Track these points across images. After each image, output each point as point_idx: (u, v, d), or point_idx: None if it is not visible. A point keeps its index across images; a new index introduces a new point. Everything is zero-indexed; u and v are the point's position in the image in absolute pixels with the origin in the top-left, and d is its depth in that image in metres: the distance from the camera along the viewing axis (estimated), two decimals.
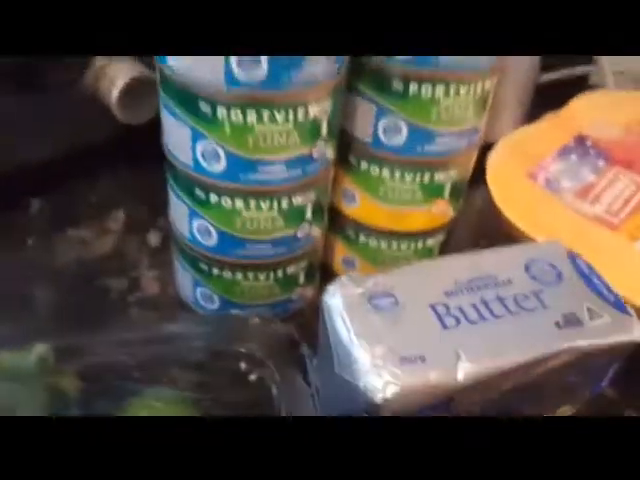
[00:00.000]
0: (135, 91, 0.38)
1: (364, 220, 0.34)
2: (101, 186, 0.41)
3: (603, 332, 0.26)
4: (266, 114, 0.25)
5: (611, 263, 0.32)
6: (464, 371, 0.23)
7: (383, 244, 0.34)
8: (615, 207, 0.35)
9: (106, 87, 0.38)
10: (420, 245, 0.34)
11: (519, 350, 0.24)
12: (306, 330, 0.28)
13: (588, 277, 0.28)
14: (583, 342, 0.25)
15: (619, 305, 0.27)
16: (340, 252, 0.36)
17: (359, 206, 0.33)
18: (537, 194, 0.36)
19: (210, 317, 0.29)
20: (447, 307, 0.26)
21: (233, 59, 0.23)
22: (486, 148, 0.39)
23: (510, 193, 0.36)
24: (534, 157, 0.38)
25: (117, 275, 0.36)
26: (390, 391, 0.22)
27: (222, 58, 0.23)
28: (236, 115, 0.25)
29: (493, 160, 0.37)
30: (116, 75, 0.37)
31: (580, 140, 0.39)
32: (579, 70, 0.59)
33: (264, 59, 0.23)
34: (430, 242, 0.35)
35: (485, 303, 0.26)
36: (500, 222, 0.36)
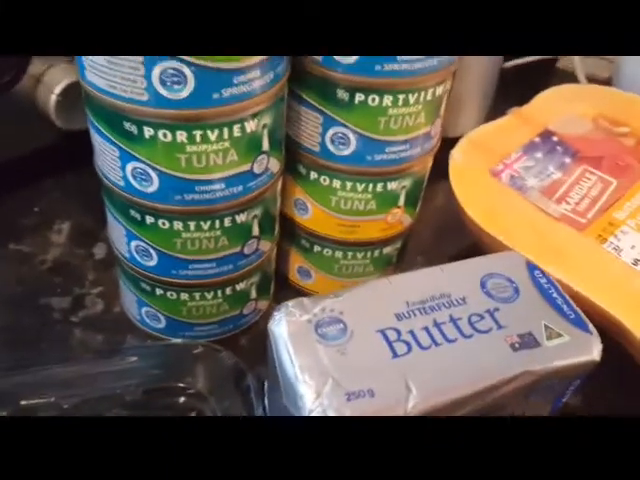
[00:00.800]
0: (73, 97, 0.35)
1: (317, 230, 0.32)
2: (44, 196, 0.39)
3: (561, 353, 0.25)
4: (198, 133, 0.23)
5: (579, 265, 0.31)
6: (415, 405, 0.22)
7: (338, 253, 0.33)
8: (582, 207, 0.33)
9: (43, 94, 0.35)
10: (377, 253, 0.33)
11: (472, 379, 0.23)
12: (261, 342, 0.27)
13: (547, 291, 0.27)
14: (540, 366, 0.24)
15: (579, 322, 0.26)
16: (295, 262, 0.34)
17: (311, 216, 0.32)
18: (501, 192, 0.35)
19: (153, 347, 0.28)
20: (398, 332, 0.24)
21: (155, 76, 0.21)
22: (450, 142, 0.37)
23: (473, 191, 0.35)
24: (498, 154, 0.36)
25: (60, 293, 0.34)
26: None
27: (143, 75, 0.21)
28: (164, 135, 0.23)
29: (456, 158, 0.36)
30: (53, 81, 0.35)
31: (546, 136, 0.37)
32: (546, 56, 0.57)
33: (189, 75, 0.21)
34: (387, 250, 0.33)
35: (438, 326, 0.25)
36: (464, 220, 0.34)
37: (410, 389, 0.23)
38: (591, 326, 0.26)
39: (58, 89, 0.35)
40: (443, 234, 0.41)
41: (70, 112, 0.36)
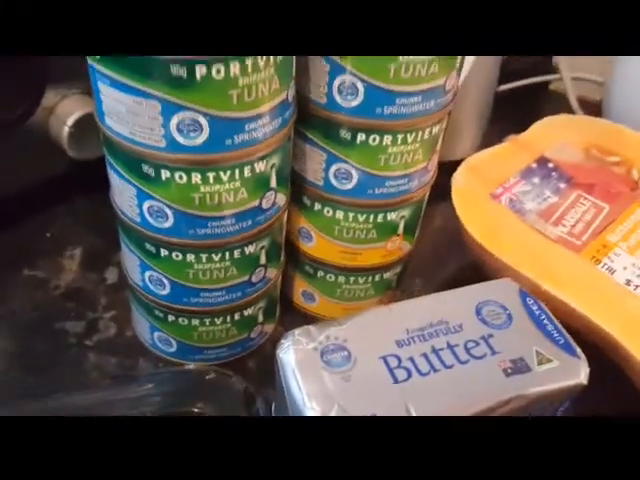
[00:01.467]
0: (85, 127, 0.37)
1: (321, 257, 0.34)
2: (57, 222, 0.41)
3: (551, 377, 0.26)
4: (211, 175, 0.25)
5: (575, 284, 0.33)
6: None
7: (341, 278, 0.34)
8: (577, 230, 0.35)
9: (56, 125, 0.37)
10: (377, 278, 0.35)
11: (467, 403, 0.25)
12: (267, 364, 0.28)
13: (538, 318, 0.29)
14: (531, 390, 0.26)
15: (568, 347, 0.27)
16: (299, 286, 0.36)
17: (315, 244, 0.33)
18: (501, 214, 0.36)
19: (167, 374, 0.29)
20: (399, 358, 0.26)
21: (173, 125, 0.23)
22: (448, 166, 0.39)
23: (475, 213, 0.36)
24: (498, 178, 0.38)
25: (74, 317, 0.35)
26: None
27: (162, 124, 0.23)
28: (180, 177, 0.24)
29: (458, 181, 0.38)
30: (65, 113, 0.37)
31: (542, 162, 0.39)
32: (539, 79, 0.59)
33: (204, 124, 0.23)
34: (387, 275, 0.35)
35: (436, 352, 0.26)
36: (465, 240, 0.36)
37: (410, 413, 0.24)
38: (579, 351, 0.27)
39: (70, 121, 0.37)
40: (442, 255, 0.42)
41: (82, 142, 0.38)
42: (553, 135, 0.40)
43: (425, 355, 0.26)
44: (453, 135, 0.47)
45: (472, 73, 0.43)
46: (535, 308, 0.29)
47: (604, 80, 0.53)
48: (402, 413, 0.24)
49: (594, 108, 0.56)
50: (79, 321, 0.35)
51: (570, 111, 0.57)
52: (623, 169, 0.39)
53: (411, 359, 0.26)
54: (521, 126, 0.43)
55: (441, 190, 0.37)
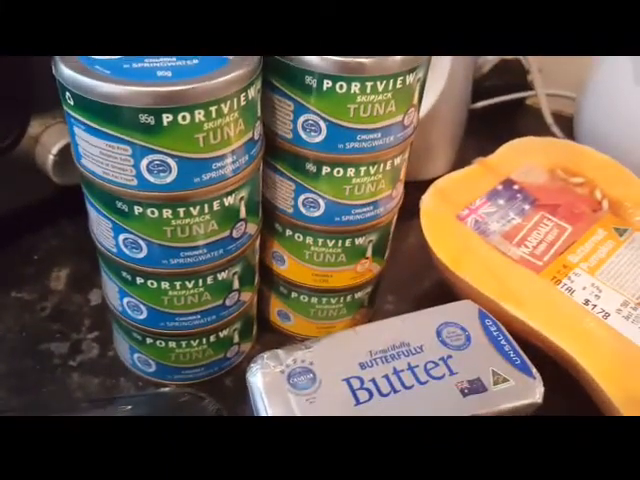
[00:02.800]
0: (69, 155, 0.38)
1: (294, 279, 0.35)
2: (43, 245, 0.42)
3: (506, 397, 0.28)
4: (181, 210, 0.26)
5: (535, 304, 0.34)
6: None
7: (314, 299, 0.36)
8: (539, 250, 0.37)
9: (41, 154, 0.38)
10: (349, 298, 0.36)
11: None
12: (244, 382, 0.30)
13: (496, 338, 0.30)
14: (487, 409, 0.27)
15: (524, 368, 0.29)
16: (275, 306, 0.38)
17: (288, 267, 0.35)
18: (466, 236, 0.38)
19: (144, 396, 0.31)
20: (361, 380, 0.28)
21: (143, 166, 0.24)
22: (421, 185, 0.41)
23: (441, 235, 0.38)
24: (464, 200, 0.40)
25: (59, 338, 0.37)
26: None
27: (133, 165, 0.24)
28: (152, 212, 0.26)
29: (426, 203, 0.39)
30: (50, 142, 0.38)
31: (508, 184, 0.41)
32: (514, 95, 0.61)
33: (173, 164, 0.25)
34: (359, 294, 0.36)
35: (397, 374, 0.28)
36: (433, 261, 0.38)
37: None
38: (535, 371, 0.29)
39: (55, 149, 0.38)
40: (414, 272, 0.44)
41: (66, 169, 0.39)
42: (519, 157, 0.42)
43: (387, 376, 0.28)
44: (426, 155, 0.48)
45: (442, 97, 0.44)
46: (494, 329, 0.30)
47: (576, 96, 0.55)
48: None
49: (569, 123, 0.57)
50: (64, 342, 0.37)
51: (545, 126, 0.59)
52: (586, 190, 0.40)
53: (373, 380, 0.28)
54: (498, 142, 0.44)
55: (414, 208, 0.39)
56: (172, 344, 0.32)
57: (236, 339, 0.35)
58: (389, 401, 0.27)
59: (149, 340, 0.32)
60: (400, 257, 0.44)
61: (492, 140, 0.46)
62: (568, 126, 0.57)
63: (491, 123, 0.59)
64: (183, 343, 0.32)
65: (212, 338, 0.33)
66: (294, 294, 0.36)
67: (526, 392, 0.28)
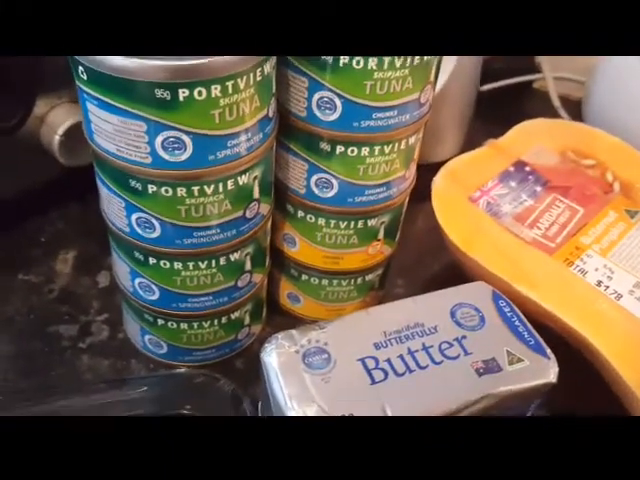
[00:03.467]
0: (75, 135, 0.38)
1: (305, 261, 0.35)
2: (51, 227, 0.42)
3: (521, 377, 0.28)
4: (196, 188, 0.26)
5: (548, 285, 0.34)
6: None
7: (324, 281, 0.36)
8: (552, 232, 0.36)
9: (47, 134, 0.38)
10: (360, 281, 0.36)
11: (441, 402, 0.26)
12: (255, 363, 0.29)
13: (510, 319, 0.30)
14: (502, 388, 0.27)
15: (538, 348, 0.29)
16: (285, 288, 0.37)
17: (299, 249, 0.34)
18: (479, 217, 0.37)
19: (159, 377, 0.31)
20: (376, 360, 0.28)
21: (157, 143, 0.24)
22: (431, 168, 0.40)
23: (453, 216, 0.37)
24: (476, 182, 0.39)
25: (68, 321, 0.37)
26: None
27: (147, 142, 0.24)
28: (166, 191, 0.26)
29: (437, 185, 0.39)
30: (56, 122, 0.38)
31: (519, 166, 0.40)
32: (522, 78, 0.60)
33: (188, 141, 0.24)
34: (369, 277, 0.36)
35: (412, 354, 0.28)
36: (445, 242, 0.37)
37: (386, 413, 0.26)
38: (549, 351, 0.29)
39: (61, 130, 0.38)
40: (423, 255, 0.44)
41: (73, 150, 0.38)
42: (530, 139, 0.41)
43: (401, 357, 0.28)
44: (435, 137, 0.48)
45: (453, 77, 0.44)
46: (507, 310, 0.30)
47: (585, 80, 0.55)
48: (378, 412, 0.26)
49: (576, 106, 0.57)
50: (73, 324, 0.36)
51: (552, 109, 0.59)
52: (598, 172, 0.40)
53: (388, 361, 0.27)
54: (505, 125, 0.44)
55: (424, 191, 0.39)
56: (184, 325, 0.32)
57: (247, 321, 0.35)
58: (404, 381, 0.27)
59: (160, 321, 0.32)
60: (410, 241, 0.43)
61: (500, 123, 0.45)
62: (575, 110, 0.56)
63: (498, 106, 0.58)
64: (195, 324, 0.32)
65: (224, 319, 0.33)
66: (304, 276, 0.36)
67: (541, 372, 0.28)
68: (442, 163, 0.40)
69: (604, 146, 0.41)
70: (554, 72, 0.59)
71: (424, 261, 0.43)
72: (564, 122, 0.43)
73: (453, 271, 0.39)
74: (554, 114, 0.59)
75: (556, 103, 0.59)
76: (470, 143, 0.49)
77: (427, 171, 0.40)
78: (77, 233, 0.42)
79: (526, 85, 0.63)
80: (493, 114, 0.56)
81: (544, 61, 0.59)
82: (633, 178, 0.39)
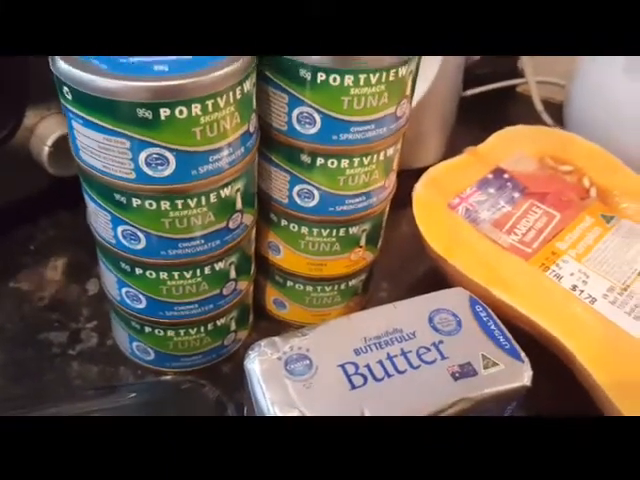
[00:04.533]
0: (64, 146, 0.38)
1: (289, 268, 0.36)
2: (40, 235, 0.43)
3: (496, 380, 0.29)
4: (179, 202, 0.27)
5: (524, 290, 0.35)
6: None
7: (309, 287, 0.36)
8: (528, 237, 0.38)
9: (37, 145, 0.39)
10: (344, 286, 0.37)
11: (418, 406, 0.27)
12: (241, 369, 0.30)
13: (486, 324, 0.31)
14: (477, 392, 0.28)
15: (513, 352, 0.30)
16: (271, 294, 0.38)
17: (283, 256, 0.35)
18: (457, 224, 0.38)
19: (147, 384, 0.32)
20: (356, 366, 0.28)
21: (141, 159, 0.25)
22: (414, 173, 0.41)
23: (433, 223, 0.38)
24: (455, 189, 0.40)
25: (58, 328, 0.37)
26: None
27: (131, 159, 0.25)
28: (150, 205, 0.27)
29: (418, 192, 0.40)
30: (45, 133, 0.38)
31: (498, 173, 0.41)
32: (505, 83, 0.61)
33: (171, 158, 0.25)
34: (352, 282, 0.37)
35: (390, 359, 0.29)
36: (425, 248, 0.38)
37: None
38: (523, 355, 0.30)
39: (50, 141, 0.38)
40: (406, 260, 0.45)
41: (62, 160, 0.39)
42: (509, 146, 0.42)
43: (380, 362, 0.29)
44: (419, 143, 0.49)
45: (434, 84, 0.45)
46: (484, 315, 0.31)
47: (566, 83, 0.56)
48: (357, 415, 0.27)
49: (559, 109, 0.58)
50: (63, 331, 0.37)
51: (535, 113, 0.60)
52: (575, 178, 0.41)
53: (367, 366, 0.28)
54: (489, 129, 0.45)
55: (407, 198, 0.40)
56: (170, 333, 0.33)
57: (233, 327, 0.35)
58: (383, 385, 0.28)
59: (148, 329, 0.33)
60: (394, 245, 0.45)
61: (483, 128, 0.46)
62: (558, 113, 0.57)
63: (482, 111, 0.59)
64: (181, 331, 0.33)
65: (210, 326, 0.34)
66: (289, 283, 0.37)
67: (515, 376, 0.29)
68: (426, 168, 0.41)
69: (581, 152, 0.42)
70: (537, 76, 0.61)
71: (408, 266, 0.44)
72: (543, 129, 0.44)
73: (436, 276, 0.40)
74: (537, 118, 0.60)
75: (539, 107, 0.60)
76: (453, 148, 0.49)
77: (411, 177, 0.41)
78: (67, 241, 0.43)
79: (509, 89, 0.64)
80: (477, 119, 0.57)
81: (526, 66, 0.60)
82: (610, 184, 0.41)
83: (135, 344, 0.34)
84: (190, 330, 0.33)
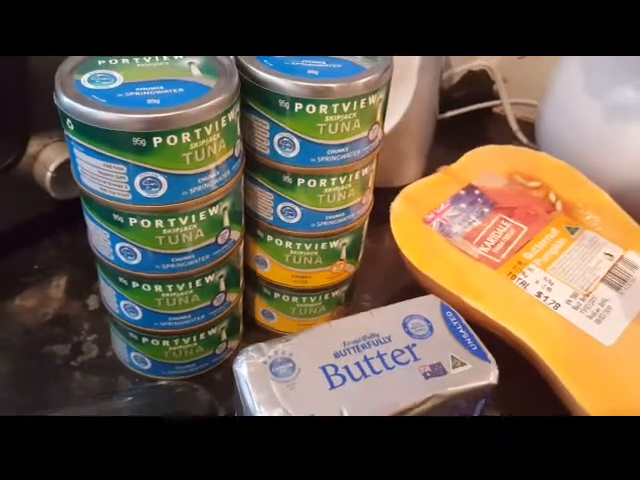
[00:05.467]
0: (66, 171, 0.41)
1: (276, 281, 0.38)
2: (43, 255, 0.45)
3: (464, 378, 0.31)
4: (172, 220, 0.30)
5: (493, 297, 0.38)
6: None
7: (294, 298, 0.39)
8: (497, 249, 0.40)
9: (40, 171, 0.41)
10: (327, 297, 0.40)
11: (392, 403, 0.30)
12: (232, 377, 0.33)
13: (455, 328, 0.34)
14: (446, 389, 0.31)
15: (480, 353, 0.32)
16: (260, 305, 0.41)
17: (270, 270, 0.38)
18: (432, 237, 0.41)
19: (143, 388, 0.34)
20: (335, 367, 0.31)
21: (136, 182, 0.28)
22: (395, 191, 0.44)
23: (409, 237, 0.41)
24: (430, 205, 0.43)
25: (61, 341, 0.40)
26: None
27: (127, 182, 0.28)
28: (145, 223, 0.29)
29: (395, 209, 0.43)
30: (48, 160, 0.41)
31: (470, 190, 0.44)
32: (481, 105, 0.65)
33: (163, 181, 0.28)
34: (336, 293, 0.40)
35: (367, 361, 0.31)
36: (403, 262, 0.41)
37: (342, 413, 0.29)
38: (490, 355, 0.32)
39: (52, 167, 0.41)
40: (388, 272, 0.47)
41: (63, 184, 0.42)
42: (481, 164, 0.45)
43: (358, 363, 0.31)
44: (398, 163, 0.52)
45: (411, 108, 0.48)
46: (453, 320, 0.34)
47: (537, 103, 0.59)
48: (336, 413, 0.29)
49: (533, 129, 0.61)
50: (65, 344, 0.40)
51: (511, 133, 0.63)
52: (542, 193, 0.44)
53: (346, 367, 0.31)
54: (467, 149, 0.48)
55: (388, 213, 0.42)
56: (165, 342, 0.36)
57: (224, 337, 0.38)
58: (360, 384, 0.30)
59: (144, 339, 0.35)
60: (376, 259, 0.47)
61: (461, 148, 0.49)
62: (533, 132, 0.61)
63: (460, 131, 0.62)
64: (175, 341, 0.36)
65: (202, 336, 0.36)
66: (277, 294, 0.39)
67: (482, 374, 0.32)
68: (405, 187, 0.44)
69: (548, 169, 0.45)
70: (511, 98, 0.64)
71: (389, 277, 0.47)
72: (512, 148, 0.47)
73: (415, 286, 0.43)
74: (513, 137, 0.63)
75: (514, 127, 0.63)
76: (432, 167, 0.52)
77: (392, 194, 0.44)
78: (68, 260, 0.45)
79: (486, 111, 0.67)
80: (455, 140, 0.60)
81: (501, 87, 0.63)
82: (574, 197, 0.43)
83: (133, 354, 0.37)
84: (184, 339, 0.36)
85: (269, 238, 0.36)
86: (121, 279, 0.33)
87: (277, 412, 0.29)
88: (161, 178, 0.28)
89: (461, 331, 0.33)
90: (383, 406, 0.30)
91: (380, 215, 0.40)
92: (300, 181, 0.33)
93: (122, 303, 0.34)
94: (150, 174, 0.28)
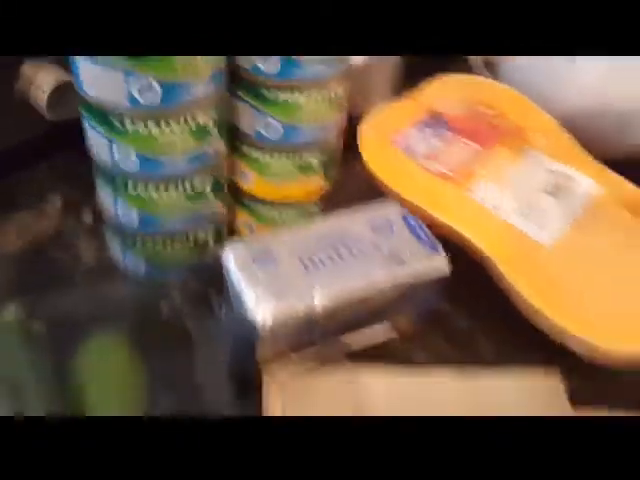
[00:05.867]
0: (61, 93, 0.45)
1: (257, 194, 0.43)
2: (39, 176, 0.49)
3: (420, 268, 0.36)
4: (164, 125, 0.33)
5: (453, 209, 0.42)
6: (320, 302, 0.34)
7: (273, 211, 0.44)
8: (455, 166, 0.45)
9: (35, 93, 0.45)
10: (302, 211, 0.44)
11: (357, 282, 0.35)
12: (218, 281, 0.37)
13: (414, 229, 0.38)
14: (404, 275, 0.36)
15: (434, 248, 0.37)
16: (241, 217, 0.45)
17: (253, 183, 0.42)
18: (399, 157, 0.46)
19: (141, 280, 0.39)
20: (311, 259, 0.36)
21: (134, 86, 0.31)
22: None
23: (378, 157, 0.46)
24: (396, 128, 0.47)
25: (60, 250, 0.44)
26: (268, 321, 0.32)
27: (125, 85, 0.31)
28: (140, 127, 0.33)
29: (364, 131, 0.47)
30: (43, 82, 0.44)
31: (433, 115, 0.49)
32: None
33: (156, 86, 0.32)
34: (310, 208, 0.44)
35: (338, 252, 0.36)
36: (373, 180, 0.46)
37: (317, 291, 0.34)
38: (441, 249, 0.37)
39: (48, 88, 0.44)
40: (361, 191, 0.51)
41: (58, 106, 0.45)
42: (444, 92, 0.50)
43: (329, 255, 0.36)
44: (366, 92, 0.56)
45: None
46: (412, 222, 0.39)
47: None
48: (311, 293, 0.34)
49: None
50: (64, 252, 0.44)
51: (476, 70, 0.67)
52: (499, 120, 0.49)
53: (319, 258, 0.36)
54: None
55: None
56: (159, 247, 0.40)
57: (211, 243, 0.42)
58: (329, 269, 0.35)
59: (139, 244, 0.40)
60: (347, 182, 0.52)
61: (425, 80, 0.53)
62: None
63: (428, 71, 0.66)
64: (168, 244, 0.40)
65: (191, 240, 0.41)
66: (257, 207, 0.44)
67: (436, 265, 0.37)
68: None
69: (504, 97, 0.50)
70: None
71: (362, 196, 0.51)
72: (474, 77, 0.51)
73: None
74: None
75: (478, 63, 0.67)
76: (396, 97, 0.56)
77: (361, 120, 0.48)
78: (63, 180, 0.49)
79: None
80: (423, 75, 0.63)
81: None
82: (525, 123, 0.48)
83: (128, 258, 0.41)
84: (175, 244, 0.40)
85: (253, 153, 0.40)
86: (118, 182, 0.36)
87: (259, 289, 0.33)
88: (155, 84, 0.32)
89: (418, 231, 0.38)
90: (349, 287, 0.35)
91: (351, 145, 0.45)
92: (282, 95, 0.36)
93: (119, 206, 0.38)
94: (147, 80, 0.31)
